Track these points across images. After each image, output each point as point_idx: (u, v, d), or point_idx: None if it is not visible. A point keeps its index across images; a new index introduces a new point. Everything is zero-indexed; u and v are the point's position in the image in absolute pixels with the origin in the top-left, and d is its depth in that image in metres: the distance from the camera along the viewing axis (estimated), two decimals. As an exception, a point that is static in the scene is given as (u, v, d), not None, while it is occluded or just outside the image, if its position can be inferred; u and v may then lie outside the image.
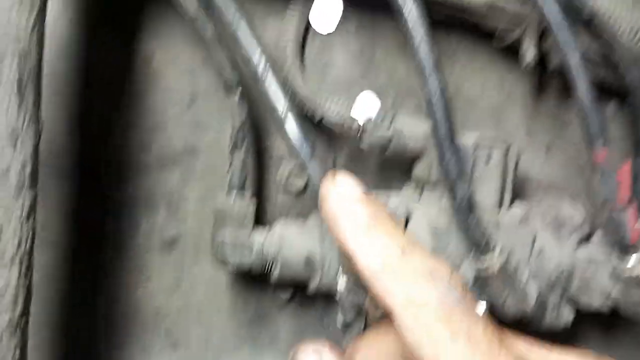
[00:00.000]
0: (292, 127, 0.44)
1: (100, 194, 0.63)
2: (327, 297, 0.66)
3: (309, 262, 0.56)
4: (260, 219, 0.65)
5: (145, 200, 0.64)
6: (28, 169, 0.37)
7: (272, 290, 0.69)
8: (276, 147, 0.66)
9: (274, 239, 0.57)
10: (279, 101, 0.45)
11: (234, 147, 0.56)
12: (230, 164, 0.57)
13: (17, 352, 0.41)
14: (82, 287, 0.63)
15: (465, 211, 0.51)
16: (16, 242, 0.38)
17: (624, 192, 0.52)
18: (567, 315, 0.64)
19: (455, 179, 0.50)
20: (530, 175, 0.71)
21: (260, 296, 0.70)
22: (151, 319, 0.67)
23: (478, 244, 0.53)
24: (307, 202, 0.67)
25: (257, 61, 0.46)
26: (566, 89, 0.68)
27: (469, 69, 0.71)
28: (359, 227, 0.35)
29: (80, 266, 0.63)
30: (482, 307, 0.34)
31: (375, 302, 0.36)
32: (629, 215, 0.53)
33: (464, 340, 0.31)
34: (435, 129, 0.51)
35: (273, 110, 0.45)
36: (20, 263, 0.39)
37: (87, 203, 0.62)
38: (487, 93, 0.72)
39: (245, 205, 0.57)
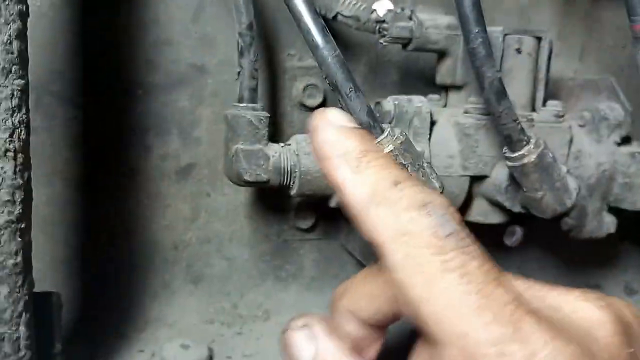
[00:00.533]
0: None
1: (108, 119, 0.59)
2: (348, 224, 0.62)
3: (329, 171, 0.53)
4: (277, 137, 0.62)
5: (156, 124, 0.60)
6: (15, 47, 0.34)
7: (293, 220, 0.66)
8: (289, 61, 0.62)
9: (292, 150, 0.53)
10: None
11: (241, 52, 0.52)
12: (239, 72, 0.53)
13: (19, 257, 0.38)
14: (96, 216, 0.60)
15: (495, 97, 0.47)
16: (7, 134, 0.35)
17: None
18: (609, 223, 0.60)
19: (483, 62, 0.46)
20: (564, 78, 0.66)
21: (281, 227, 0.66)
22: (170, 252, 0.64)
23: (511, 137, 0.48)
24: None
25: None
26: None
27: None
28: (349, 159, 0.33)
29: (92, 195, 0.60)
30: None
31: (366, 238, 0.31)
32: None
33: (457, 275, 0.27)
34: (461, 10, 0.46)
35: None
36: (15, 158, 0.36)
37: (96, 129, 0.59)
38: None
39: (257, 115, 0.53)
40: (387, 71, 0.66)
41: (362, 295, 0.37)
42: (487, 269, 0.28)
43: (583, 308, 0.29)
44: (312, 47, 0.43)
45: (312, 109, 0.63)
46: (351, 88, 0.43)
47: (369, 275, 0.38)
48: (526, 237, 0.66)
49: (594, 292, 0.30)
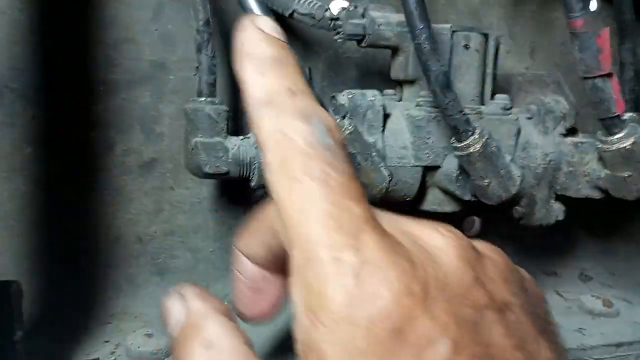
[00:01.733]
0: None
1: (69, 116, 0.60)
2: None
3: (287, 164, 0.54)
4: (238, 132, 0.63)
5: (118, 120, 0.62)
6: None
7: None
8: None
9: (251, 142, 0.55)
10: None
11: (199, 49, 0.54)
12: (197, 67, 0.55)
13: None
14: (59, 212, 0.61)
15: (440, 90, 0.49)
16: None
17: (605, 59, 0.50)
18: (557, 210, 0.63)
19: (428, 57, 0.48)
20: (515, 74, 0.69)
21: (246, 219, 0.68)
22: (134, 245, 0.65)
23: (457, 128, 0.51)
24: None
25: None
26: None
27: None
28: (260, 61, 0.33)
29: (55, 192, 0.61)
30: None
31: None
32: (611, 84, 0.51)
33: (318, 183, 0.28)
34: (406, 7, 0.48)
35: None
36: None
37: (58, 126, 0.60)
38: (466, -7, 0.70)
39: (216, 109, 0.54)
40: (346, 68, 0.68)
41: (252, 235, 0.38)
42: (349, 187, 0.29)
43: (430, 234, 0.29)
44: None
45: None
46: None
47: (260, 214, 0.38)
48: (484, 227, 0.69)
49: (446, 225, 0.31)
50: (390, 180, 0.48)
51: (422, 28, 0.47)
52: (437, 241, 0.29)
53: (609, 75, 0.50)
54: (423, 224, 0.30)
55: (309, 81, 0.45)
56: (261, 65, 0.33)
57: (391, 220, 0.30)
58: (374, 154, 0.47)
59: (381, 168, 0.47)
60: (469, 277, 0.28)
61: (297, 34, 0.64)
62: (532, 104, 0.62)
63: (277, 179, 0.29)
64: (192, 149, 0.53)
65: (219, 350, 0.31)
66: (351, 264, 0.26)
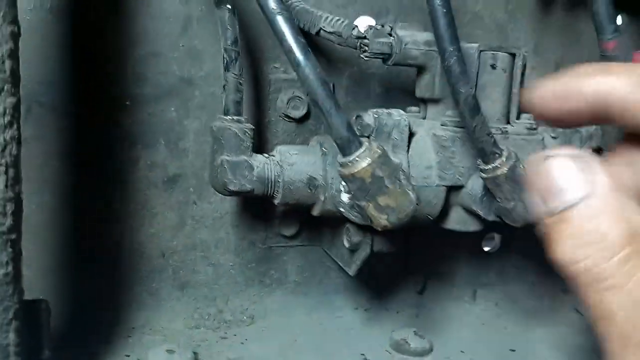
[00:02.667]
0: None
1: (98, 129, 0.61)
2: (333, 230, 0.64)
3: (311, 182, 0.54)
4: (261, 147, 0.64)
5: (144, 134, 0.62)
6: (7, 66, 0.36)
7: (277, 227, 0.68)
8: (274, 73, 0.64)
9: (275, 161, 0.55)
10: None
11: (227, 67, 0.54)
12: (224, 86, 0.55)
13: (9, 267, 0.40)
14: (84, 225, 0.62)
15: (469, 112, 0.49)
16: (-1, 149, 0.37)
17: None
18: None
19: (458, 79, 0.48)
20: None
21: (266, 234, 0.68)
22: (157, 259, 0.65)
23: (484, 150, 0.51)
24: (308, 129, 0.65)
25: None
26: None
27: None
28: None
29: (81, 204, 0.61)
30: None
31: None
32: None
33: None
34: (436, 29, 0.48)
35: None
36: (6, 172, 0.38)
37: (85, 139, 0.61)
38: (492, 8, 0.69)
39: (242, 127, 0.54)
40: (369, 84, 0.68)
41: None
42: None
43: None
44: (295, 65, 0.45)
45: (296, 120, 0.65)
46: (332, 105, 0.45)
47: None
48: (505, 244, 0.68)
49: None
50: (417, 204, 0.48)
51: (452, 51, 0.47)
52: None
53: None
54: None
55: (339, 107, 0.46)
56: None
57: None
58: (402, 176, 0.47)
59: (409, 190, 0.47)
60: None
61: (321, 50, 0.64)
62: (558, 123, 0.61)
63: None
64: (218, 168, 0.53)
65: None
66: None
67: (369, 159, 0.45)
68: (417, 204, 0.47)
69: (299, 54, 0.44)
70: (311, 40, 0.59)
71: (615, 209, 0.27)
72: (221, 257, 0.67)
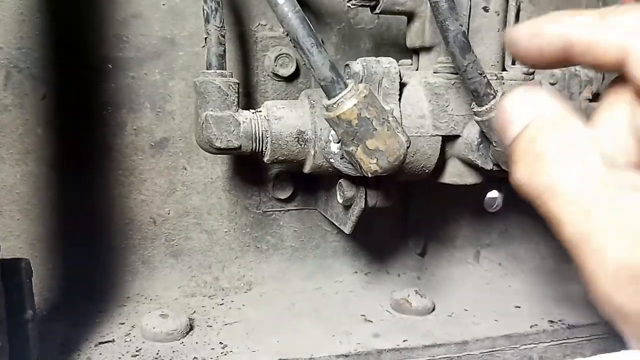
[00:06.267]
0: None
1: (80, 95, 0.59)
2: (327, 191, 0.62)
3: (300, 135, 0.53)
4: (251, 107, 0.62)
5: (128, 99, 0.60)
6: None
7: (271, 191, 0.66)
8: (260, 31, 0.62)
9: (262, 116, 0.53)
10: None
11: (207, 19, 0.52)
12: (205, 38, 0.53)
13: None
14: (72, 194, 0.60)
15: (459, 51, 0.47)
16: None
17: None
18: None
19: (446, 16, 0.46)
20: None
21: (260, 198, 0.66)
22: (149, 227, 0.64)
23: (477, 91, 0.49)
24: (298, 87, 0.63)
25: None
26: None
27: None
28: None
29: (67, 174, 0.60)
30: None
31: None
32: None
33: None
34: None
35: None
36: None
37: (68, 106, 0.59)
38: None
39: (226, 81, 0.53)
40: (359, 39, 0.66)
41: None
42: None
43: None
44: (272, 4, 0.43)
45: (284, 79, 0.63)
46: (312, 43, 0.43)
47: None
48: (507, 203, 0.66)
49: None
50: (408, 146, 0.46)
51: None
52: None
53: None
54: None
55: (322, 47, 0.44)
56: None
57: None
58: (390, 117, 0.45)
59: (398, 132, 0.45)
60: None
61: (309, 5, 0.62)
62: (555, 69, 0.59)
63: None
64: (203, 124, 0.52)
65: (581, 143, 0.29)
66: None
67: (355, 100, 0.43)
68: (407, 145, 0.45)
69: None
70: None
71: (554, 130, 0.30)
72: (215, 223, 0.65)
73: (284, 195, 0.66)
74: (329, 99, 0.44)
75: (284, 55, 0.62)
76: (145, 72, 0.60)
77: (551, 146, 0.30)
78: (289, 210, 0.67)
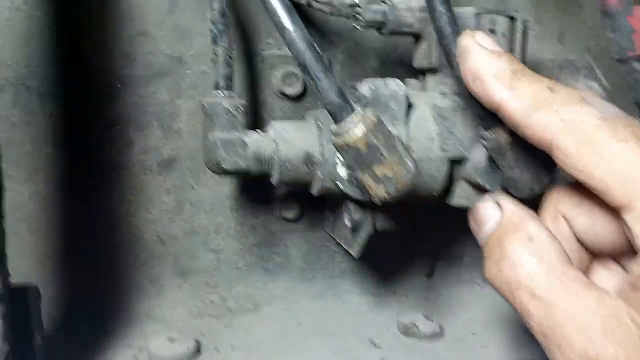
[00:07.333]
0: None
1: (88, 113, 0.59)
2: (334, 211, 0.62)
3: (308, 158, 0.52)
4: (258, 126, 0.62)
5: (135, 117, 0.60)
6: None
7: (279, 211, 0.66)
8: (267, 49, 0.62)
9: (270, 137, 0.53)
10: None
11: (214, 40, 0.52)
12: (212, 59, 0.53)
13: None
14: (80, 212, 0.60)
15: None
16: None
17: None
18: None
19: (450, 40, 0.45)
20: (543, 60, 0.66)
21: (268, 218, 0.66)
22: (156, 246, 0.64)
23: (483, 116, 0.48)
24: (305, 107, 0.63)
25: None
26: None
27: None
28: (505, 77, 0.37)
29: (75, 192, 0.60)
30: None
31: (533, 141, 0.36)
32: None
33: (633, 143, 0.30)
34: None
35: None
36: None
37: (75, 124, 0.59)
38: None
39: (234, 103, 0.53)
40: (366, 58, 0.66)
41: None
42: None
43: None
44: (280, 28, 0.43)
45: (291, 98, 0.63)
46: (320, 69, 0.43)
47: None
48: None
49: None
50: (416, 172, 0.46)
51: (441, 10, 0.45)
52: None
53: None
54: None
55: (330, 71, 0.44)
56: (507, 81, 0.37)
57: None
58: (398, 144, 0.45)
59: (406, 159, 0.45)
60: None
61: (315, 23, 0.63)
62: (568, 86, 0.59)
63: (592, 161, 0.31)
64: (211, 146, 0.52)
65: (539, 243, 0.34)
66: None
67: (363, 127, 0.43)
68: (415, 173, 0.45)
69: (283, 17, 0.42)
70: (302, 12, 0.58)
71: (516, 231, 0.35)
72: (222, 243, 0.65)
73: (291, 215, 0.66)
74: (336, 124, 0.44)
75: (292, 74, 0.62)
76: (152, 90, 0.60)
77: (515, 246, 0.34)
78: (296, 230, 0.67)
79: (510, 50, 0.56)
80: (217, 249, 0.65)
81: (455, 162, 0.56)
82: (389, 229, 0.55)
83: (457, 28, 0.45)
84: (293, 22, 0.42)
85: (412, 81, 0.60)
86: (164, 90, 0.61)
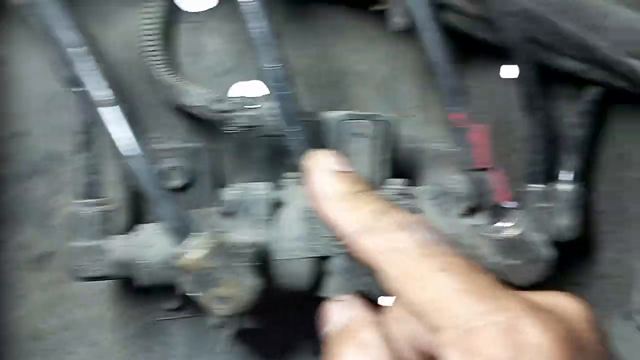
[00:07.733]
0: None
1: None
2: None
3: (171, 263, 0.52)
4: (138, 222, 0.61)
5: (11, 214, 0.60)
6: None
7: (160, 301, 0.65)
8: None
9: (134, 242, 0.53)
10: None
11: (80, 149, 0.52)
12: (76, 168, 0.53)
13: None
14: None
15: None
16: None
17: (481, 154, 0.49)
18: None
19: (297, 150, 0.47)
20: (426, 148, 0.68)
21: (148, 308, 0.65)
22: (28, 343, 0.62)
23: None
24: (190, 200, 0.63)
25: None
26: (465, 57, 0.64)
27: (356, 44, 0.68)
28: (340, 199, 0.40)
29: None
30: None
31: (363, 263, 0.38)
32: (492, 177, 0.50)
33: (446, 273, 0.33)
34: (276, 100, 0.48)
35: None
36: None
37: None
38: (377, 67, 0.69)
39: (101, 209, 0.53)
40: (254, 152, 0.66)
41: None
42: (469, 264, 0.34)
43: (558, 297, 0.35)
44: (121, 158, 0.44)
45: (174, 191, 0.63)
46: (160, 194, 0.44)
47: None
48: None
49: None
50: (260, 289, 0.46)
51: (297, 130, 0.47)
52: (567, 301, 0.34)
53: (487, 169, 0.50)
54: (544, 292, 0.36)
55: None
56: (344, 203, 0.40)
57: (514, 291, 0.34)
58: (241, 262, 0.45)
59: (247, 278, 0.45)
60: (595, 336, 0.33)
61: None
62: (432, 184, 0.61)
63: (406, 286, 0.34)
64: (70, 254, 0.51)
65: (371, 348, 0.37)
66: (506, 323, 0.30)
67: (201, 251, 0.44)
68: (256, 290, 0.46)
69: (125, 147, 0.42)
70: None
71: (349, 337, 0.39)
72: (98, 335, 0.64)
73: (172, 305, 0.65)
74: (174, 246, 0.44)
75: (176, 167, 0.62)
76: (30, 187, 0.60)
77: (345, 350, 0.38)
78: (179, 318, 0.67)
79: (378, 152, 0.58)
80: (94, 342, 0.64)
81: (324, 259, 0.57)
82: (256, 327, 0.56)
83: (307, 147, 0.47)
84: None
85: (292, 175, 0.60)
86: (42, 187, 0.60)
